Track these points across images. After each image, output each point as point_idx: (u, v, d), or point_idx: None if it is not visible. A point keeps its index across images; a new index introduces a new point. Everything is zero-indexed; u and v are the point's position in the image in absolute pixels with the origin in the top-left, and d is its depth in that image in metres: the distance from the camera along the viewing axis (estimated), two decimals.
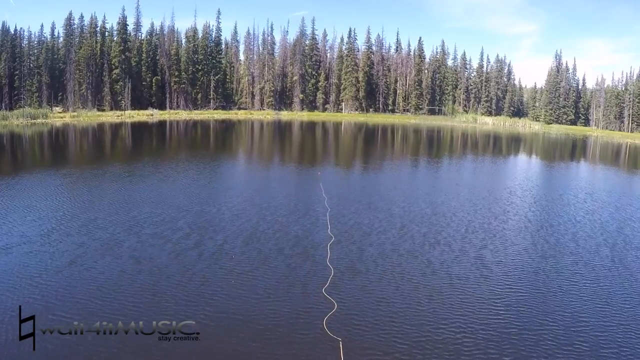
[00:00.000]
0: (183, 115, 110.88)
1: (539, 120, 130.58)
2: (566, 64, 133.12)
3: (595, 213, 27.37)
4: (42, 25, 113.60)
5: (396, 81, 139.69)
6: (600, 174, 47.14)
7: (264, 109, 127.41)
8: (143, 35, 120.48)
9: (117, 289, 14.14)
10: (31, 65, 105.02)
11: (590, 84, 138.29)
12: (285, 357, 11.19)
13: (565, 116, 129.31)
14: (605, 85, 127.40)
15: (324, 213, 23.68)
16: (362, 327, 12.50)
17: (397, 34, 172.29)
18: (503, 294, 15.05)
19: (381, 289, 15.02)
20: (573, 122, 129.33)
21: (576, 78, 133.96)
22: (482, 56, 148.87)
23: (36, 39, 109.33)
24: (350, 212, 24.43)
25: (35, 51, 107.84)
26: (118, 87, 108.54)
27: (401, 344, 11.73)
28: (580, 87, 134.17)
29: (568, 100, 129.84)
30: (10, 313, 12.24)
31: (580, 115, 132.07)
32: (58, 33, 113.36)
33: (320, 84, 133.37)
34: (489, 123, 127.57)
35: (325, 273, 15.86)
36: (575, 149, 77.36)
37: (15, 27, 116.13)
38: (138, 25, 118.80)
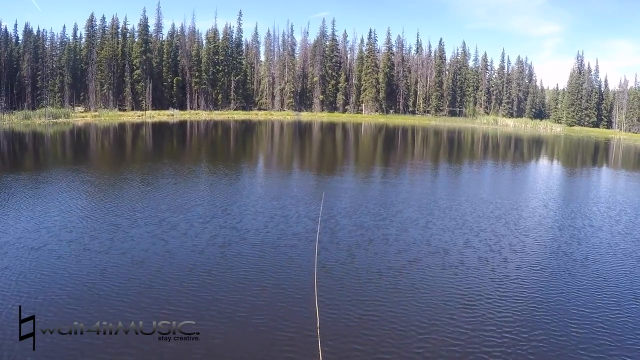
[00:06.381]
0: (203, 115, 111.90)
1: (560, 123, 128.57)
2: (588, 65, 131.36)
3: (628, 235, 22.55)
4: (64, 27, 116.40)
5: (416, 82, 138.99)
6: (623, 181, 45.32)
7: (284, 110, 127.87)
8: (164, 37, 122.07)
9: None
10: (53, 65, 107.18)
11: (613, 86, 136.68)
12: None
13: (587, 118, 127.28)
14: (629, 87, 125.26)
15: (315, 231, 20.38)
16: None
17: (418, 35, 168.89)
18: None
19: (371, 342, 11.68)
20: (595, 125, 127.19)
21: (598, 80, 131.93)
22: (503, 57, 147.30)
23: (58, 40, 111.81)
24: (344, 234, 20.69)
25: (58, 52, 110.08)
26: (139, 87, 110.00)
27: None
28: (602, 89, 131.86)
29: (590, 102, 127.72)
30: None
31: (602, 117, 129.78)
32: (80, 34, 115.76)
33: (340, 85, 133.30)
34: (510, 125, 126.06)
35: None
36: (598, 153, 75.69)
37: (38, 28, 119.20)
38: (159, 27, 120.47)
